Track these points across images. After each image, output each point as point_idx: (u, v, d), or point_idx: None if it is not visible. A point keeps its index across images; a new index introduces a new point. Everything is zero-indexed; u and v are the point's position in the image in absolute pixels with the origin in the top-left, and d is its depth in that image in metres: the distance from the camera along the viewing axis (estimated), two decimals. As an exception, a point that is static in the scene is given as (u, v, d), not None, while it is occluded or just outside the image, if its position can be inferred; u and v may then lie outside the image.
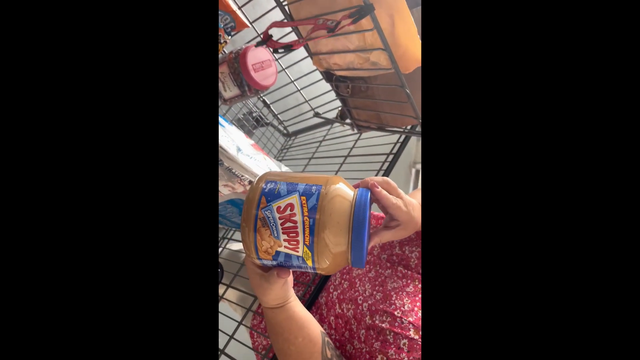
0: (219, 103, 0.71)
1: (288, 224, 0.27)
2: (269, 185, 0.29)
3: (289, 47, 0.41)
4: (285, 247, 0.27)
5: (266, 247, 0.28)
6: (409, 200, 0.34)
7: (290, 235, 0.27)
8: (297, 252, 0.27)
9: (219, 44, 0.55)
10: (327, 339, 0.36)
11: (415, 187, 2.01)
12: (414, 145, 1.96)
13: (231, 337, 0.46)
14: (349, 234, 0.27)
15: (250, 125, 1.01)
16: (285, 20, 0.46)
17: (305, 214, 0.27)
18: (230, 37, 0.56)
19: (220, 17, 0.53)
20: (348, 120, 0.68)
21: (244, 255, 0.64)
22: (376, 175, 0.58)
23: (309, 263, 0.28)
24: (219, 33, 0.54)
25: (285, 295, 0.34)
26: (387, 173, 0.58)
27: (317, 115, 0.79)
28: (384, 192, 0.33)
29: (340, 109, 0.75)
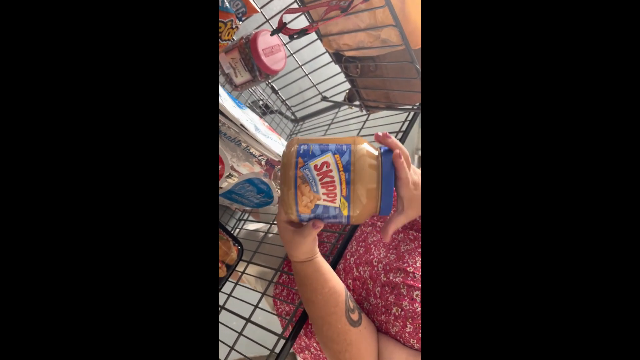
0: (230, 89, 0.72)
1: (326, 179, 0.31)
2: (302, 147, 0.33)
3: (304, 32, 0.43)
4: (324, 200, 0.31)
5: (306, 201, 0.32)
6: (417, 181, 0.36)
7: (329, 189, 0.31)
8: (335, 203, 0.32)
9: (231, 29, 0.57)
10: (349, 293, 0.39)
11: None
12: (417, 133, 1.97)
13: (256, 306, 0.49)
14: (379, 185, 0.31)
15: (259, 112, 1.03)
16: (298, 6, 0.48)
17: (341, 169, 0.31)
18: (241, 22, 0.58)
19: (232, 3, 0.54)
20: (356, 102, 0.70)
21: (261, 234, 0.67)
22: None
23: (345, 212, 0.32)
24: (231, 18, 0.55)
25: (314, 249, 0.37)
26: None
27: (324, 99, 0.81)
28: (404, 164, 0.34)
29: (347, 91, 0.77)
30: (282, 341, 0.41)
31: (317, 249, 0.38)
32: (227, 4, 0.54)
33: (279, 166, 0.54)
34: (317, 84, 0.78)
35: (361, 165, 0.31)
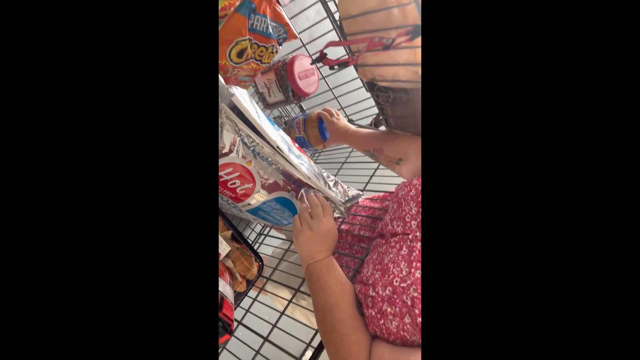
0: (262, 107, 0.75)
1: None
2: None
3: (345, 64, 0.45)
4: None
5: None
6: (340, 121, 0.68)
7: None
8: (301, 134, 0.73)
9: (272, 53, 0.59)
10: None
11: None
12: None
13: (274, 325, 0.49)
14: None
15: (282, 128, 1.05)
16: (341, 40, 0.50)
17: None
18: (280, 46, 0.61)
19: (274, 29, 0.57)
20: (382, 128, 0.72)
21: (280, 250, 0.68)
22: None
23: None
24: (273, 43, 0.58)
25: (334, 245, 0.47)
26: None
27: (350, 122, 0.82)
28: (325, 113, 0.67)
29: (374, 116, 0.79)
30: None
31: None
32: (270, 30, 0.56)
33: (305, 187, 0.55)
34: (345, 107, 0.80)
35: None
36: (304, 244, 0.46)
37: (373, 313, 0.38)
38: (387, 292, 0.37)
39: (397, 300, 0.36)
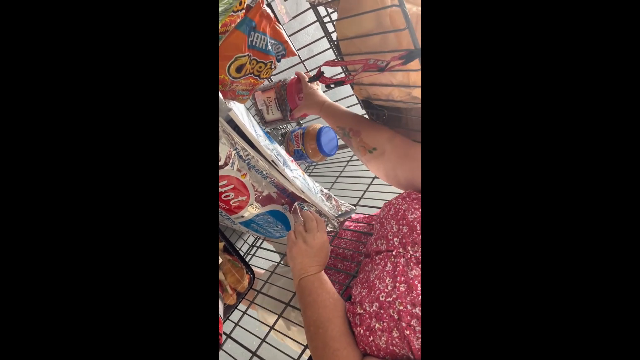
0: (257, 121, 0.76)
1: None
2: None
3: (341, 83, 0.47)
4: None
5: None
6: (318, 91, 0.63)
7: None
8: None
9: (270, 69, 0.61)
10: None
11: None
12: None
13: (263, 340, 0.49)
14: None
15: (278, 141, 1.06)
16: (337, 59, 0.52)
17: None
18: (279, 62, 0.62)
19: (273, 46, 0.59)
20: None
21: (273, 263, 0.67)
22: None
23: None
24: (271, 60, 0.60)
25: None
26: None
27: (346, 136, 0.83)
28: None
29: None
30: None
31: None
32: (269, 47, 0.58)
33: (299, 201, 0.56)
34: (341, 122, 0.81)
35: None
36: (297, 257, 0.47)
37: (362, 331, 0.38)
38: (374, 307, 0.38)
39: (384, 315, 0.36)
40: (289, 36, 0.61)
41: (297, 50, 0.66)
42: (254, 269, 0.60)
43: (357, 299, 0.40)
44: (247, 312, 0.56)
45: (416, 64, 0.42)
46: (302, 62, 0.70)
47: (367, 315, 0.38)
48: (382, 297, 0.38)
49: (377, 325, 0.37)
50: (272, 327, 0.50)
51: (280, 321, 0.58)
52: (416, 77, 0.45)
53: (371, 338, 0.37)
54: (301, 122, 0.87)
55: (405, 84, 0.47)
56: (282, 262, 0.65)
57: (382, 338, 0.36)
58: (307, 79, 0.61)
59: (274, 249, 0.75)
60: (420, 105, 0.51)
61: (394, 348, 0.35)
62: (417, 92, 0.47)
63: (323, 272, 0.46)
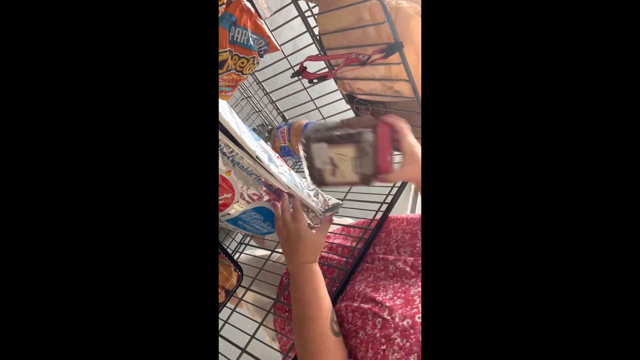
0: (248, 111, 0.75)
1: None
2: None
3: (324, 78, 0.46)
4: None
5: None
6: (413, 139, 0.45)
7: None
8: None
9: (253, 65, 0.60)
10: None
11: (414, 201, 2.06)
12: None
13: (252, 336, 0.49)
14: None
15: (264, 137, 1.06)
16: (320, 54, 0.52)
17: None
18: (261, 58, 0.61)
19: (255, 41, 0.58)
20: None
21: (262, 260, 0.67)
22: (390, 190, 0.63)
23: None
24: (254, 55, 0.59)
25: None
26: (400, 187, 0.63)
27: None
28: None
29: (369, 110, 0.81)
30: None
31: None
32: (251, 42, 0.57)
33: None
34: (327, 117, 0.81)
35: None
36: (305, 245, 0.46)
37: (378, 335, 0.37)
38: (405, 323, 0.36)
39: (412, 337, 0.34)
40: (271, 31, 0.60)
41: (280, 46, 0.65)
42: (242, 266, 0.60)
43: (388, 304, 0.39)
44: (236, 310, 0.56)
45: (397, 57, 0.42)
46: (285, 57, 0.70)
47: (392, 325, 0.36)
48: (419, 318, 0.36)
49: (398, 340, 0.35)
50: (261, 324, 0.50)
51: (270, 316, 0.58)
52: (398, 71, 0.45)
53: (384, 346, 0.36)
54: (286, 116, 0.87)
55: (388, 77, 0.47)
56: (270, 259, 0.65)
57: (395, 354, 0.34)
58: (291, 76, 0.60)
59: (263, 247, 0.75)
60: (402, 99, 0.51)
61: None
62: (399, 86, 0.47)
63: (316, 264, 0.46)
